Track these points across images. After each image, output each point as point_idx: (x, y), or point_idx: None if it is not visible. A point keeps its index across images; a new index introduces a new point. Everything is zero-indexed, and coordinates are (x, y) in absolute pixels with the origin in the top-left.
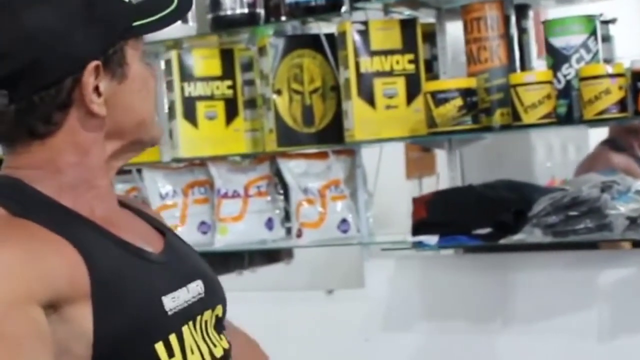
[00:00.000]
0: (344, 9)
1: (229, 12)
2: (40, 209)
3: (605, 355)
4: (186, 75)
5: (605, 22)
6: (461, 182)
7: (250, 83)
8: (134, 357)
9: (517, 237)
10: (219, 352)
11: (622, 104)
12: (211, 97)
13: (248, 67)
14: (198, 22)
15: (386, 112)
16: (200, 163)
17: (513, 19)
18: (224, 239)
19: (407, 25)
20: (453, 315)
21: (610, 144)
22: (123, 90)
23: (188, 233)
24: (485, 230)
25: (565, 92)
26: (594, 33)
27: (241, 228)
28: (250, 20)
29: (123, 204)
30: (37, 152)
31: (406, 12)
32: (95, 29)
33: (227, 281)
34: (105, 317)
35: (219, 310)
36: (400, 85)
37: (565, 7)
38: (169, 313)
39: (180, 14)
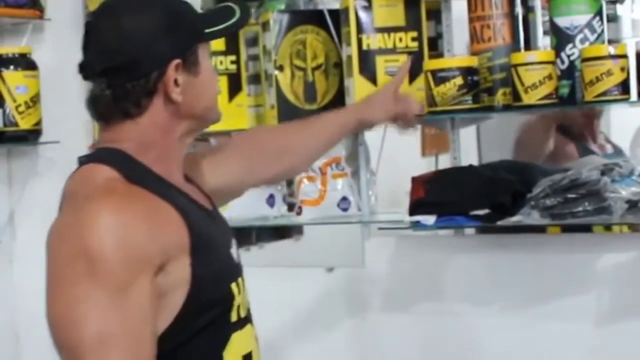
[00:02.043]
0: None
1: None
2: (147, 177)
3: (601, 339)
4: None
5: (613, 2)
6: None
7: (254, 58)
8: (217, 295)
9: (515, 219)
10: (247, 295)
11: (623, 86)
12: None
13: (253, 42)
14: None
15: None
16: (203, 138)
17: None
18: (225, 214)
19: (411, 2)
20: (451, 296)
21: (561, 130)
22: (195, 82)
23: None
24: (483, 212)
25: (569, 73)
26: (599, 13)
27: (242, 204)
28: None
29: None
30: (130, 129)
31: None
32: (177, 35)
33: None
34: (199, 267)
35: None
36: (403, 63)
37: None
38: (236, 261)
39: (241, 24)
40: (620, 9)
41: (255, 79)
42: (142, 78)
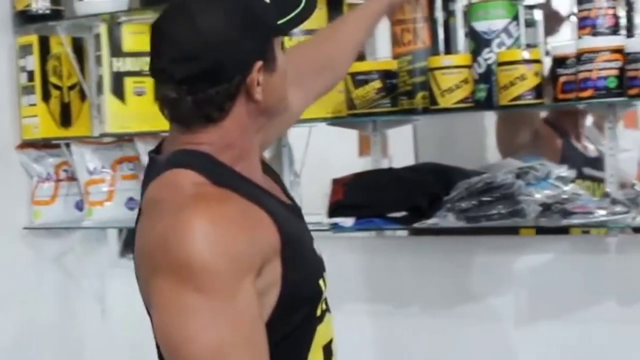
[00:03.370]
0: None
1: None
2: (232, 178)
3: (520, 339)
4: (115, 50)
5: (530, 7)
6: (415, 163)
7: None
8: (307, 293)
9: (431, 221)
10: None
11: (537, 91)
12: (140, 73)
13: None
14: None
15: None
16: (130, 139)
17: (439, 1)
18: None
19: (334, 5)
20: (373, 297)
21: (550, 124)
22: (273, 77)
23: (116, 209)
24: (401, 214)
25: (486, 77)
26: (516, 18)
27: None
28: None
29: None
30: (212, 132)
31: None
32: (256, 33)
33: None
34: (289, 267)
35: None
36: None
37: None
38: (320, 255)
39: (310, 12)
40: (537, 13)
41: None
42: (226, 83)
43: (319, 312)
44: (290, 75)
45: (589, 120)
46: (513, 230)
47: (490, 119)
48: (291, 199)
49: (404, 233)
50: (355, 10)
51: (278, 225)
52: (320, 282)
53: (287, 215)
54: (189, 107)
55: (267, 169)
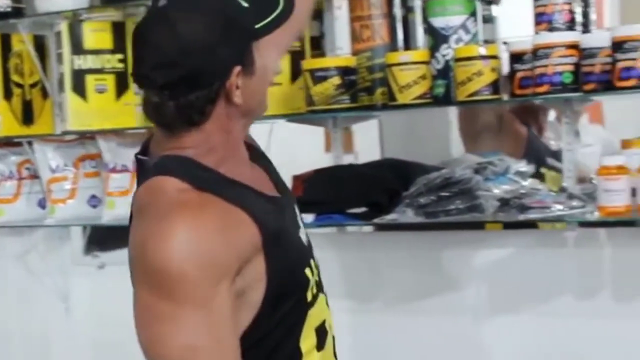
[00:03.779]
0: None
1: None
2: (214, 181)
3: (483, 333)
4: (76, 48)
5: (488, 3)
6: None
7: None
8: (294, 283)
9: (390, 217)
10: (317, 262)
11: (494, 86)
12: (101, 71)
13: None
14: None
15: (270, 89)
16: (91, 136)
17: None
18: (111, 213)
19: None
20: (333, 293)
21: (517, 114)
22: (253, 80)
23: (78, 206)
24: (360, 210)
25: (444, 73)
26: (473, 14)
27: (129, 203)
28: None
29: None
30: (195, 135)
31: None
32: (234, 39)
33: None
34: (273, 262)
35: None
36: (284, 62)
37: None
38: (306, 244)
39: (289, 12)
40: (495, 9)
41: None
42: (206, 88)
43: (309, 298)
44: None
45: (551, 115)
46: (476, 225)
47: (457, 113)
48: (282, 188)
49: (367, 229)
50: None
51: (259, 224)
52: (307, 270)
53: (269, 210)
54: (172, 111)
55: (259, 158)
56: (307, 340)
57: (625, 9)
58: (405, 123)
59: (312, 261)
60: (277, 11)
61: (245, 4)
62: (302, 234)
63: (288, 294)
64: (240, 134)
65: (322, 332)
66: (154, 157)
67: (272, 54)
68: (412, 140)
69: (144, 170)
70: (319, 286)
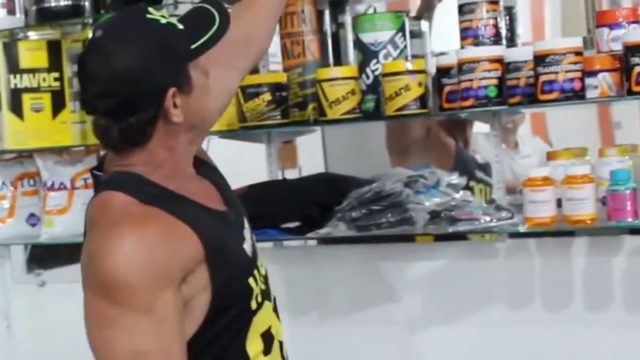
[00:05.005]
0: (165, 0)
1: (52, 4)
2: (159, 196)
3: (417, 344)
4: (12, 67)
5: (417, 19)
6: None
7: None
8: (237, 293)
9: (323, 231)
10: (263, 271)
11: (422, 100)
12: (37, 89)
13: (77, 59)
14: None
15: None
16: (29, 155)
17: (327, 14)
18: (50, 231)
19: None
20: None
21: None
22: (192, 98)
23: (17, 225)
24: (294, 224)
25: (374, 88)
26: (401, 29)
27: (67, 220)
28: (73, 12)
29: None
30: (140, 154)
31: None
32: (168, 63)
33: (74, 272)
34: (216, 273)
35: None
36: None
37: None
38: (249, 255)
39: (224, 30)
40: (424, 25)
41: (79, 95)
42: (144, 112)
43: (254, 306)
44: (216, 56)
45: (480, 127)
46: (408, 238)
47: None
48: (231, 202)
49: (303, 243)
50: None
51: (201, 237)
52: (250, 280)
53: (214, 225)
54: (116, 134)
55: (211, 173)
56: (253, 345)
57: (566, 24)
58: (348, 136)
59: (256, 271)
60: (213, 30)
61: (181, 26)
62: (247, 246)
63: (232, 303)
64: (186, 150)
65: (268, 338)
66: (107, 173)
67: (223, 72)
68: (355, 153)
69: (97, 185)
70: (265, 294)
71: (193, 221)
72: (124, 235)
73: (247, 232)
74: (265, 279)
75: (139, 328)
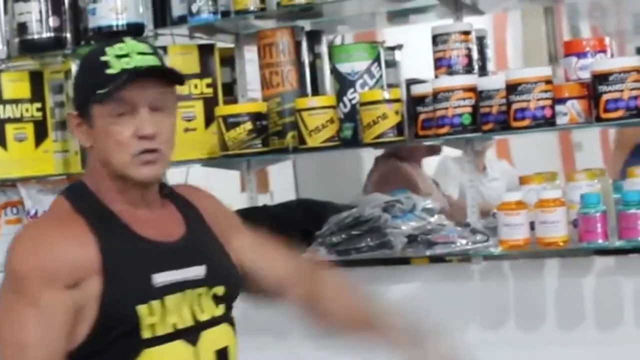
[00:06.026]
0: (146, 33)
1: (35, 36)
2: (89, 207)
3: None
4: None
5: (391, 49)
6: (295, 196)
7: (61, 105)
8: (119, 315)
9: (305, 256)
10: (204, 317)
11: (398, 128)
12: (20, 119)
13: (59, 89)
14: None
15: (185, 135)
16: (13, 184)
17: (304, 45)
18: None
19: (205, 50)
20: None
21: (395, 155)
22: (93, 133)
23: (1, 254)
24: None
25: (351, 116)
26: (377, 59)
27: None
28: (56, 44)
29: (174, 195)
30: (89, 163)
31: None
32: (78, 92)
33: None
34: (107, 287)
35: (218, 289)
36: (198, 108)
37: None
38: (156, 285)
39: (105, 95)
40: (398, 54)
41: (61, 125)
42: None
43: (146, 336)
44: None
45: (449, 151)
46: (387, 261)
47: (368, 152)
48: (192, 235)
49: None
50: (372, 305)
51: (102, 251)
52: (142, 308)
53: (128, 248)
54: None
55: (184, 207)
56: None
57: (527, 52)
58: (318, 163)
59: (156, 303)
60: (114, 83)
61: (114, 71)
62: (159, 277)
63: (116, 322)
64: (121, 182)
65: None
66: None
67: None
68: (325, 179)
69: None
70: (182, 334)
71: (103, 237)
72: (33, 231)
73: (190, 271)
74: (197, 320)
75: (26, 317)
